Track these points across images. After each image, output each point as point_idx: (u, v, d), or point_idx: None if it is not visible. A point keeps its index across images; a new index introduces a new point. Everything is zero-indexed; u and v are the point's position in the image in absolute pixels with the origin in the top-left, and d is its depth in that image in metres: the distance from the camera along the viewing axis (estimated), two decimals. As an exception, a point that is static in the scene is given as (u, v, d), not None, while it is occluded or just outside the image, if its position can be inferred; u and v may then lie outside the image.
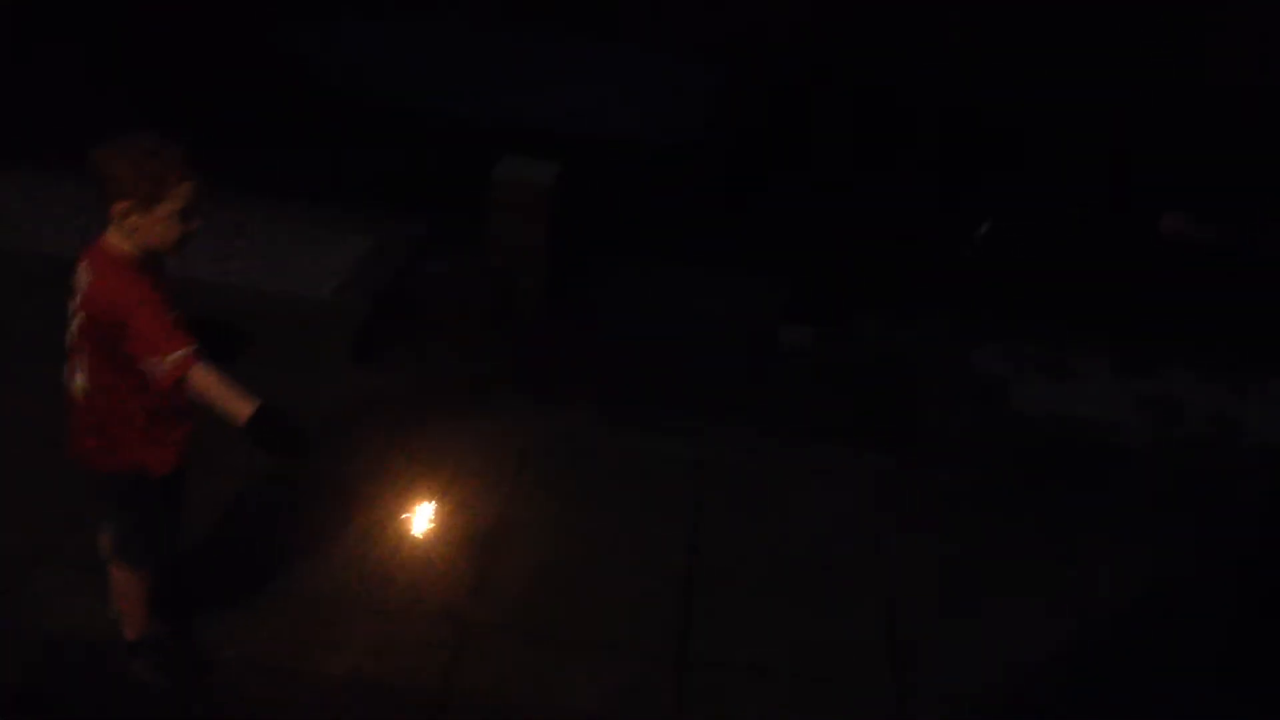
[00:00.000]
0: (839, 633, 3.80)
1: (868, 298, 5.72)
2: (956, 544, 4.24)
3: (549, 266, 5.54)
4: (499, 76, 8.44)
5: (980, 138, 6.75)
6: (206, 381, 2.78)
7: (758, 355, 5.40)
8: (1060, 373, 5.31)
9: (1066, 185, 6.46)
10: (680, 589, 3.89)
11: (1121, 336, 5.53)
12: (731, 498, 4.40)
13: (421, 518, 3.71)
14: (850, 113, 6.77)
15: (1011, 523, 4.37)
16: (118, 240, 2.87)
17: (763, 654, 3.67)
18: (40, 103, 6.16)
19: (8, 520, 3.71)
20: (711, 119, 7.95)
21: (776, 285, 5.86)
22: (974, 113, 6.83)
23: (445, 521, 3.89)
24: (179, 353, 2.77)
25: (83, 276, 2.90)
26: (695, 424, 4.78)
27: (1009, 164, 6.56)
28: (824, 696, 3.56)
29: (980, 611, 3.94)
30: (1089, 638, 3.88)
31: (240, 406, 2.77)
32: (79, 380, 2.96)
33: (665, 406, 4.88)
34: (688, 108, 8.33)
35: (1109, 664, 3.77)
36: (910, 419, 4.93)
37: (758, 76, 7.86)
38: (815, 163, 6.51)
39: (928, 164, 6.47)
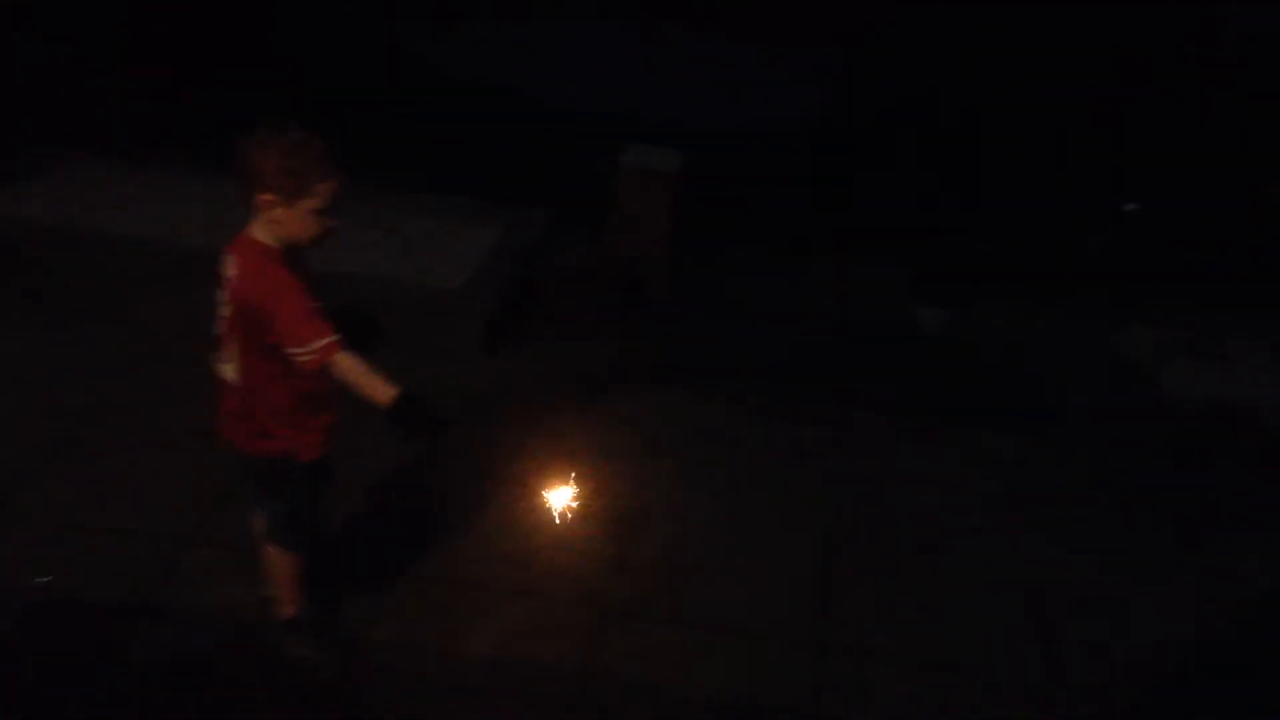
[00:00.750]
0: (980, 618, 3.75)
1: (998, 283, 5.63)
2: (1101, 528, 4.15)
3: (675, 254, 5.55)
4: (621, 69, 8.49)
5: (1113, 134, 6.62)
6: (348, 367, 2.86)
7: (888, 339, 5.34)
8: (1211, 356, 5.15)
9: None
10: (819, 573, 3.88)
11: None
12: (869, 482, 4.37)
13: (559, 501, 3.73)
14: (981, 112, 6.67)
15: (1157, 507, 4.26)
16: (261, 233, 2.95)
17: (902, 639, 3.63)
18: (176, 99, 6.35)
19: (166, 502, 3.85)
20: (832, 111, 7.89)
21: (902, 271, 5.79)
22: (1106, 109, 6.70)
23: (583, 505, 3.90)
24: (321, 340, 2.85)
25: (229, 268, 2.99)
26: (830, 408, 4.75)
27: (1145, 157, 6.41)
28: (966, 683, 3.51)
29: (1127, 598, 3.85)
30: (1236, 625, 3.77)
31: (382, 390, 2.84)
32: (228, 368, 3.06)
33: (797, 391, 4.86)
34: (806, 99, 8.28)
35: (1259, 653, 3.66)
36: (1051, 402, 4.84)
37: (879, 69, 7.79)
38: (941, 158, 6.43)
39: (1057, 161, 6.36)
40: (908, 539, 4.07)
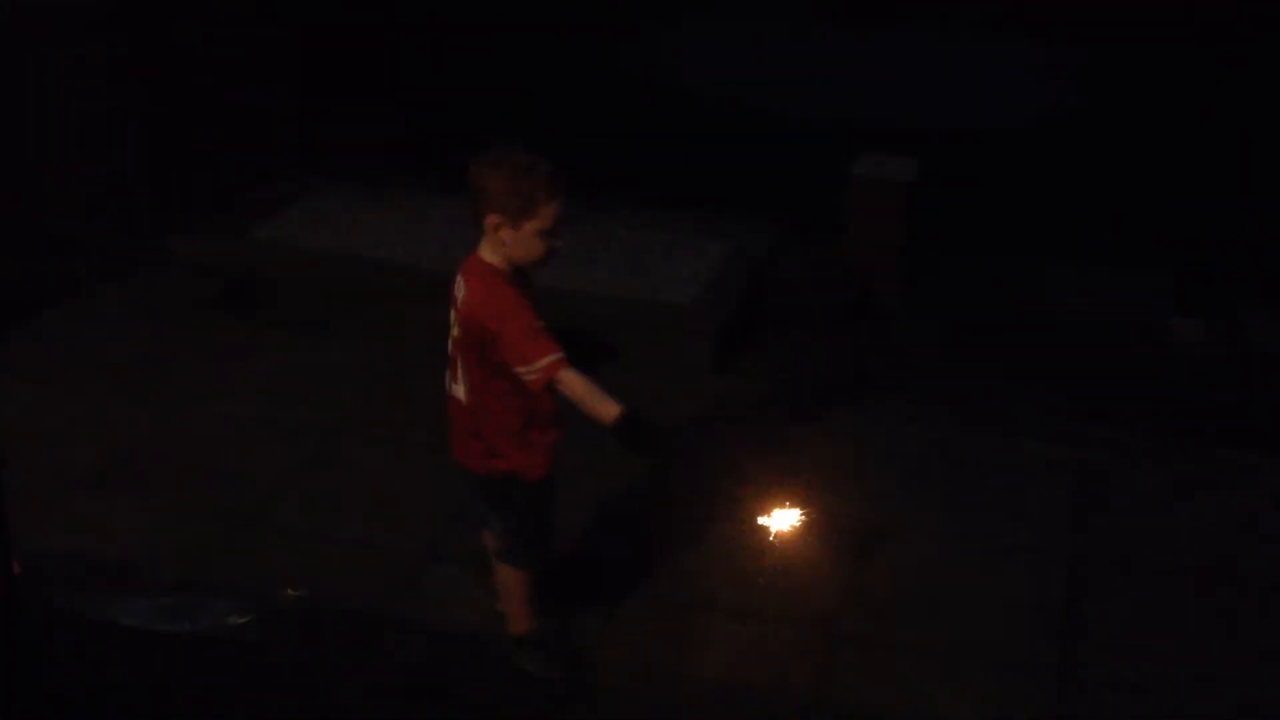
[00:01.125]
0: (1244, 653, 3.48)
1: (1264, 292, 5.26)
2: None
3: (908, 264, 5.41)
4: (850, 74, 8.36)
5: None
6: (574, 385, 2.90)
7: (1141, 352, 5.05)
8: None
9: None
10: (1063, 599, 3.69)
11: None
12: (1118, 503, 4.14)
13: (788, 521, 3.67)
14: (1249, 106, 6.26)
15: None
16: (489, 254, 3.01)
17: (1155, 672, 3.41)
18: (412, 126, 6.59)
19: (407, 517, 3.98)
20: (1078, 109, 7.56)
21: (1154, 278, 5.47)
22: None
23: (812, 525, 3.83)
24: (547, 359, 2.88)
25: (459, 289, 3.06)
26: (1075, 424, 4.52)
27: None
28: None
29: None
30: None
31: (607, 409, 2.86)
32: (458, 387, 3.13)
33: (1040, 406, 4.64)
34: (1049, 97, 7.96)
35: None
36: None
37: (1133, 63, 7.42)
38: (1203, 157, 6.06)
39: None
40: (1161, 563, 3.82)
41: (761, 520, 3.85)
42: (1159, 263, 5.50)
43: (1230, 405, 4.68)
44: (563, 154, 3.01)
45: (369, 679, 3.36)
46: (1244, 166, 5.96)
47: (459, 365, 3.10)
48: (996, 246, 5.83)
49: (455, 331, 3.09)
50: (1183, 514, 4.08)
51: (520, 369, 2.92)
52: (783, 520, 3.80)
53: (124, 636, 3.44)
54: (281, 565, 3.74)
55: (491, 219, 2.93)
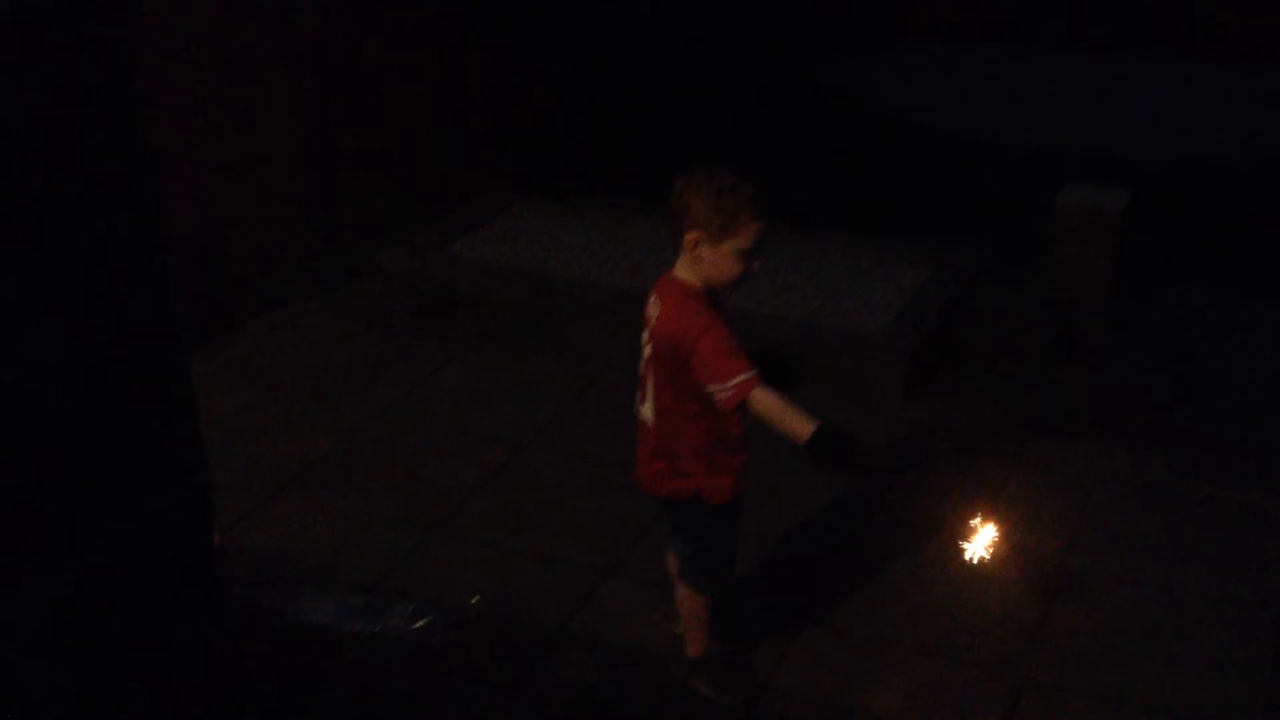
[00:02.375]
0: None
1: None
2: None
3: (1116, 297, 5.19)
4: (1057, 99, 8.10)
5: None
6: (768, 403, 2.86)
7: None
8: None
9: None
10: (1271, 659, 3.46)
11: None
12: (1333, 560, 3.87)
13: (977, 560, 3.56)
14: None
15: None
16: (685, 272, 3.01)
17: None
18: (618, 147, 6.67)
19: (588, 532, 4.01)
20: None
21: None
22: None
23: (1005, 564, 3.71)
24: (741, 376, 2.86)
25: (653, 308, 3.07)
26: (1289, 474, 4.26)
27: None
28: None
29: None
30: None
31: (802, 425, 2.82)
32: (647, 407, 3.13)
33: (1250, 452, 4.38)
34: (1268, 122, 7.55)
35: None
36: None
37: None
38: None
39: None
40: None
41: (951, 556, 3.74)
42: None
43: None
44: (761, 176, 2.99)
45: (542, 691, 3.39)
46: None
47: (649, 385, 3.11)
48: (1217, 281, 5.54)
49: (647, 350, 3.10)
50: None
51: (713, 387, 2.90)
52: (971, 559, 3.70)
53: (314, 634, 3.57)
54: (464, 574, 3.82)
55: (691, 236, 2.93)
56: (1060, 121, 7.68)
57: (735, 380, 2.86)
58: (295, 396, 4.85)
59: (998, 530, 3.52)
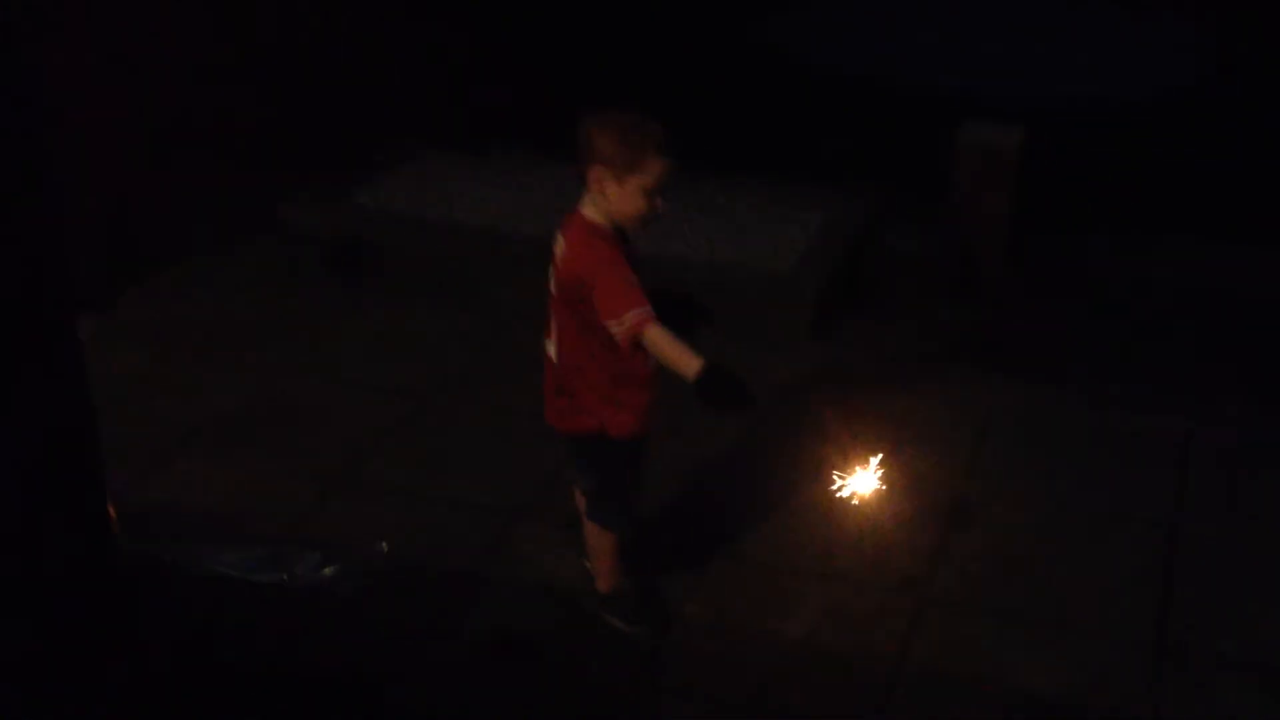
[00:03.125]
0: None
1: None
2: None
3: (1013, 235, 5.29)
4: (956, 41, 8.20)
5: None
6: (658, 339, 2.88)
7: (1250, 326, 4.88)
8: None
9: None
10: (1159, 573, 3.59)
11: None
12: (1221, 477, 4.01)
13: (878, 487, 3.63)
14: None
15: None
16: (590, 210, 3.02)
17: (1252, 648, 3.30)
18: (518, 93, 6.62)
19: (499, 477, 4.03)
20: (1205, 76, 7.30)
21: (1273, 252, 5.28)
22: None
23: (903, 491, 3.79)
24: (634, 312, 2.88)
25: (558, 246, 3.08)
26: (1177, 399, 4.39)
27: None
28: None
29: None
30: None
31: (690, 363, 2.85)
32: (552, 345, 3.15)
33: (1141, 378, 4.52)
34: (1166, 65, 7.71)
35: None
36: None
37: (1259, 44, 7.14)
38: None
39: None
40: (1269, 541, 3.69)
41: (851, 485, 3.82)
42: (1269, 239, 5.30)
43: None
44: (671, 123, 2.99)
45: (458, 634, 3.41)
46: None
47: (553, 322, 3.13)
48: (1109, 220, 5.67)
49: (552, 288, 3.11)
50: (1294, 489, 3.94)
51: (609, 323, 2.92)
52: (873, 485, 3.77)
53: (219, 586, 3.54)
54: (376, 522, 3.81)
55: (596, 172, 2.94)
56: (964, 63, 7.77)
57: (630, 316, 2.88)
58: (198, 351, 4.78)
59: (900, 460, 3.60)
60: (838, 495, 3.80)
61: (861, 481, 3.43)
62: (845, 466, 3.68)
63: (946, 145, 5.26)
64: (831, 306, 4.98)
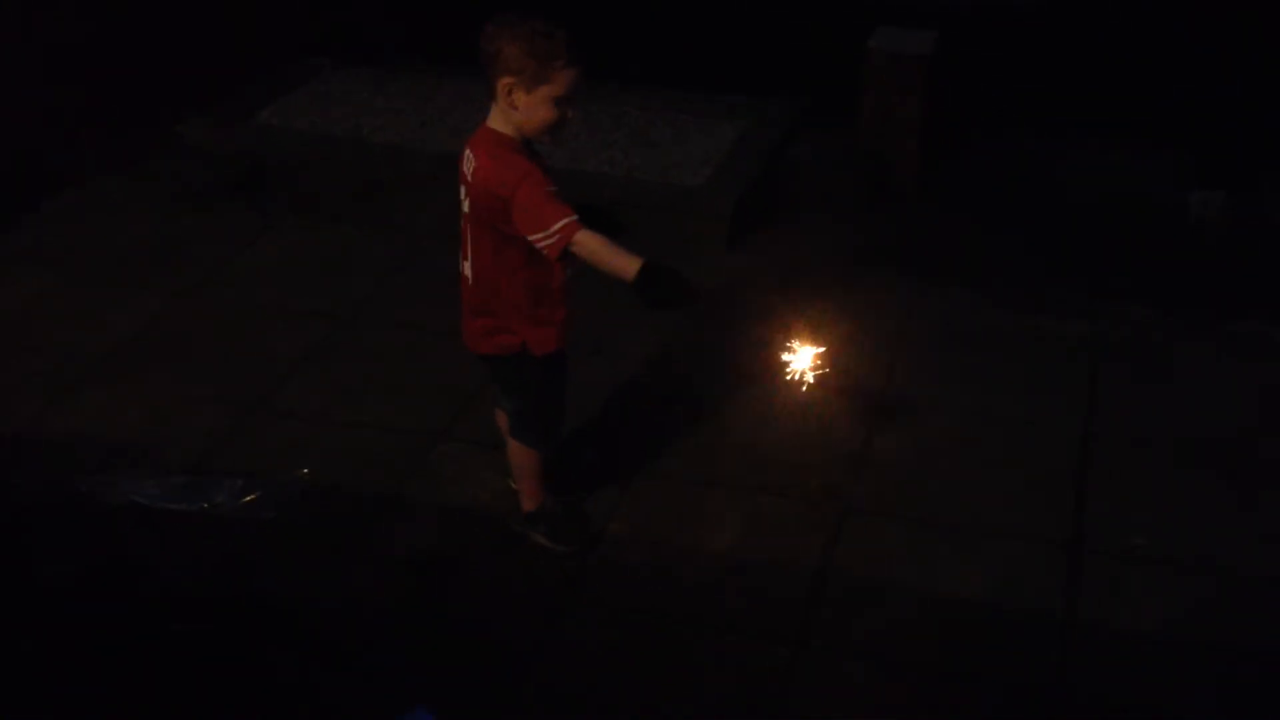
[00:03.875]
0: (1252, 521, 3.47)
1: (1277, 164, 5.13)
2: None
3: (926, 141, 5.30)
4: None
5: None
6: (593, 244, 2.82)
7: (1158, 228, 4.96)
8: None
9: None
10: (1073, 472, 3.67)
11: None
12: (1130, 378, 4.10)
13: (798, 397, 3.65)
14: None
15: None
16: (498, 122, 2.95)
17: (1165, 542, 3.40)
18: (420, 3, 6.44)
19: (417, 399, 3.98)
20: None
21: (1177, 154, 5.34)
22: None
23: (823, 401, 3.82)
24: (562, 220, 2.82)
25: (467, 163, 3.01)
26: (1087, 301, 4.47)
27: None
28: (1225, 588, 3.26)
29: None
30: None
31: (628, 262, 2.80)
32: (467, 264, 3.09)
33: (1054, 283, 4.58)
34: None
35: None
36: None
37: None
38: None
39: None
40: (1173, 436, 3.79)
41: (773, 396, 3.84)
42: (1181, 137, 5.37)
43: (1251, 278, 4.61)
44: (580, 34, 2.92)
45: (381, 556, 3.38)
46: (1268, 37, 5.77)
47: (468, 242, 3.06)
48: (1019, 124, 5.69)
49: (465, 207, 3.04)
50: (1201, 388, 4.03)
51: (535, 235, 2.86)
52: (793, 396, 3.79)
53: (135, 515, 3.47)
54: (292, 448, 3.75)
55: (504, 82, 2.86)
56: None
57: (557, 225, 2.82)
58: (97, 278, 4.64)
59: (818, 368, 3.61)
60: (760, 407, 3.83)
61: (783, 392, 3.46)
62: (766, 378, 3.70)
63: (859, 52, 5.23)
64: (746, 218, 4.96)
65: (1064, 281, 4.60)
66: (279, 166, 5.27)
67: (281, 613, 3.18)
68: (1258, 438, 3.80)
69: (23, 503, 3.50)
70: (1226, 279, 4.61)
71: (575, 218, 2.83)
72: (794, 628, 3.16)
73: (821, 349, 3.93)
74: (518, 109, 2.89)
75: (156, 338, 4.30)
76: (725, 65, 6.16)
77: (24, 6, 4.86)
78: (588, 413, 3.83)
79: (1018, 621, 3.18)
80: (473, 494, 3.59)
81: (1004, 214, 5.10)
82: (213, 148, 5.36)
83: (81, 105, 5.18)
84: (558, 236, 2.83)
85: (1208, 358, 4.18)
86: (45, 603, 3.16)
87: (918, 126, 5.26)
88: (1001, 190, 5.29)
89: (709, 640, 3.13)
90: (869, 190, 5.20)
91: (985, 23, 6.49)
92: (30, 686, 2.92)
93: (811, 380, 3.51)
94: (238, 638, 3.10)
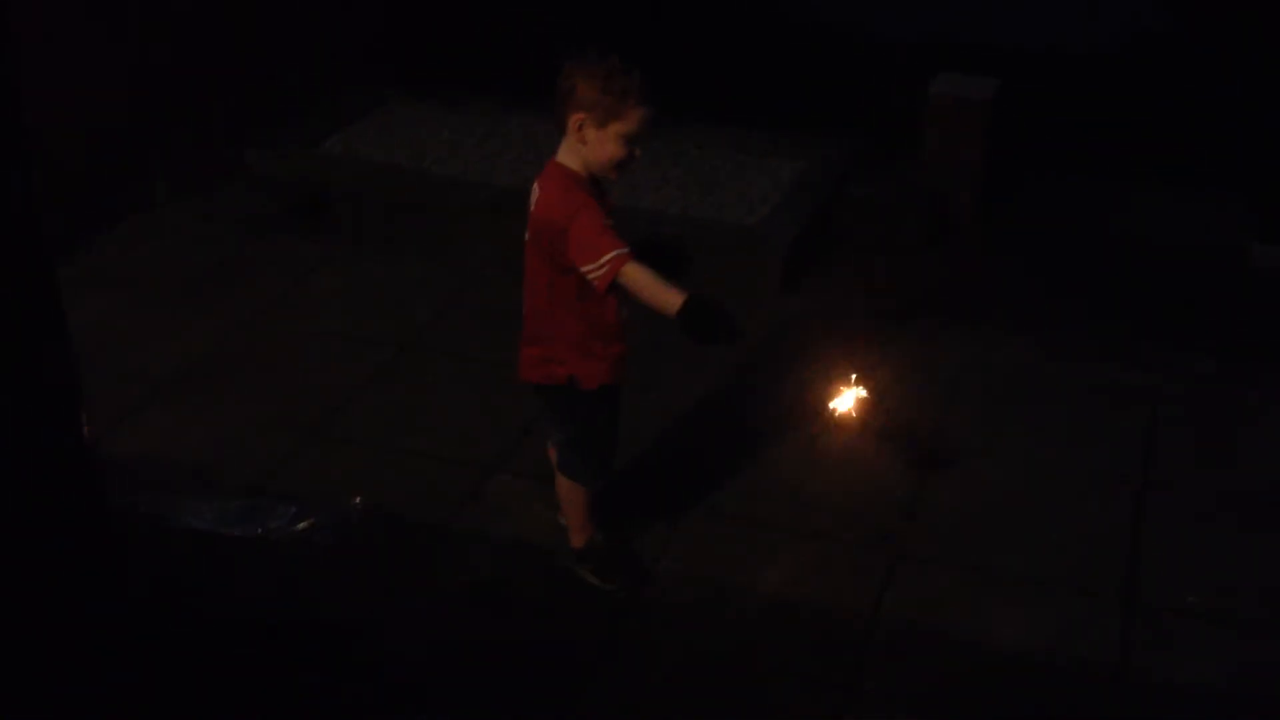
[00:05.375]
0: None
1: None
2: None
3: (985, 186, 5.30)
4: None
5: None
6: (639, 277, 2.85)
7: (1220, 278, 4.91)
8: None
9: None
10: (1128, 526, 3.63)
11: None
12: (1189, 432, 4.05)
13: (853, 441, 3.65)
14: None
15: None
16: (567, 157, 3.00)
17: (1220, 599, 3.36)
18: (488, 38, 6.52)
19: (473, 430, 4.02)
20: (1165, 31, 7.28)
21: (1243, 202, 5.30)
22: None
23: (878, 447, 3.81)
24: (612, 253, 2.85)
25: (534, 195, 3.06)
26: (1148, 352, 4.43)
27: None
28: (1290, 651, 3.22)
29: None
30: None
31: (672, 296, 2.82)
32: (526, 294, 3.13)
33: (1113, 333, 4.55)
34: (1139, 11, 7.68)
35: None
36: None
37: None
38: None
39: None
40: (1232, 492, 3.75)
41: (825, 441, 3.84)
42: (1243, 187, 5.32)
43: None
44: (646, 69, 2.96)
45: (432, 586, 3.41)
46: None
47: (527, 271, 3.10)
48: (1082, 169, 5.67)
49: (526, 236, 3.08)
50: (1260, 443, 3.99)
51: (586, 267, 2.90)
52: (845, 441, 3.79)
53: (195, 538, 3.53)
54: (348, 475, 3.80)
55: (576, 118, 2.91)
56: (936, 13, 7.72)
57: (607, 257, 2.86)
58: (165, 301, 4.73)
59: (872, 413, 3.61)
60: (812, 452, 3.83)
61: (835, 438, 3.46)
62: (820, 421, 3.70)
63: (919, 95, 5.24)
64: (802, 259, 4.97)
65: (1121, 330, 4.57)
66: (343, 196, 5.35)
67: (334, 639, 3.21)
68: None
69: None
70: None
71: (626, 250, 2.87)
72: (843, 673, 3.15)
73: (874, 394, 3.94)
74: (587, 144, 2.94)
75: (219, 362, 4.38)
76: (784, 104, 6.19)
77: (99, 33, 4.98)
78: (639, 449, 3.85)
79: (1070, 673, 3.15)
80: (524, 527, 3.61)
81: (1062, 260, 5.08)
82: (278, 176, 5.45)
83: (151, 131, 5.30)
84: (607, 268, 2.86)
85: (1268, 412, 4.13)
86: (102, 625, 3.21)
87: (978, 171, 5.26)
88: (1060, 236, 5.27)
89: (756, 683, 3.12)
90: (927, 233, 5.20)
91: (1046, 68, 6.48)
92: (82, 705, 2.97)
93: (864, 425, 3.51)
94: (290, 663, 3.13)
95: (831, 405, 3.85)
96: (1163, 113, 6.02)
